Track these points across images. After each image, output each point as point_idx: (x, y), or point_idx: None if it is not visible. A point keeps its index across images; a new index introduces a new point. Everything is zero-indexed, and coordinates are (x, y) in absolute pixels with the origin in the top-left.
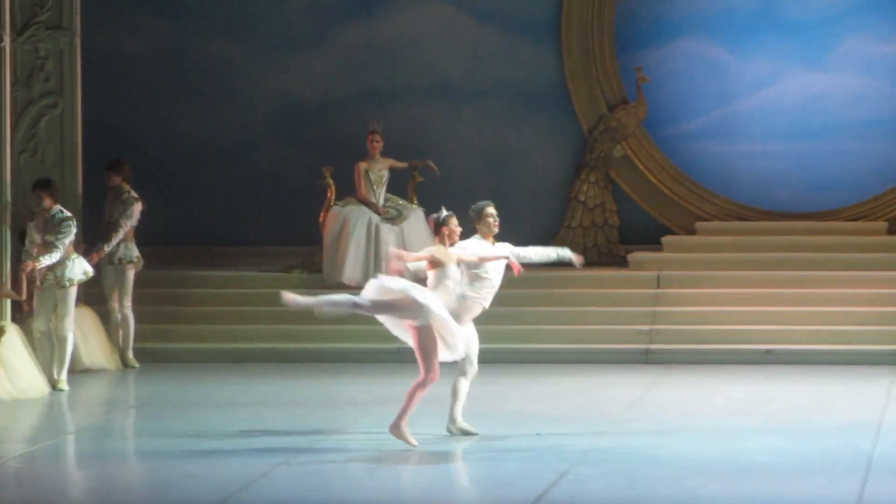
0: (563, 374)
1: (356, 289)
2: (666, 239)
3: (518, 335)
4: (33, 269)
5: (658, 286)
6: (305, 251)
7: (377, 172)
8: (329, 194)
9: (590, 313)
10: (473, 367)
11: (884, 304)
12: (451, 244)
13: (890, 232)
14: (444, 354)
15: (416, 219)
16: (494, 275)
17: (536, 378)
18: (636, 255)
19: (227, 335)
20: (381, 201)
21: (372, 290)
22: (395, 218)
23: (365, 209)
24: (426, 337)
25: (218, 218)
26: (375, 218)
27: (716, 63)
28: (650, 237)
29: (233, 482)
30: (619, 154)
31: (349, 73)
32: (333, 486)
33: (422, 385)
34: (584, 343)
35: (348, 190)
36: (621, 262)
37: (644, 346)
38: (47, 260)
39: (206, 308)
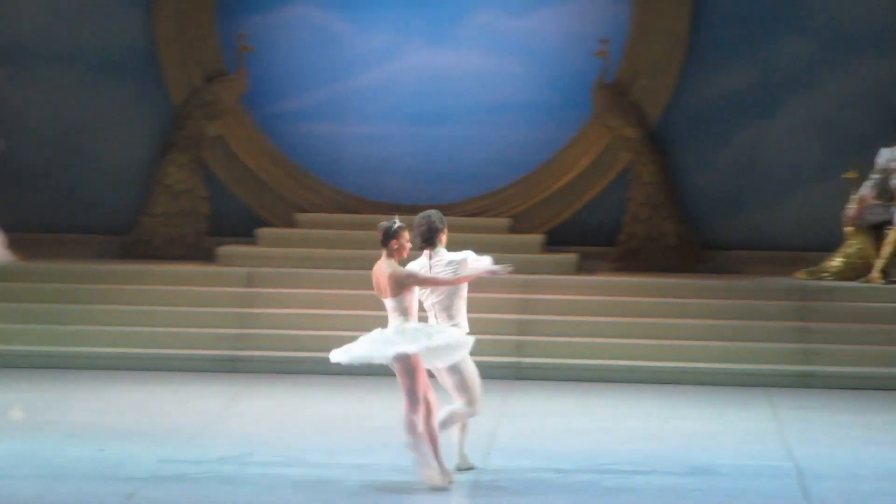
0: (134, 382)
1: None
2: (261, 231)
3: (76, 337)
4: None
5: (249, 285)
6: None
7: None
8: None
9: (169, 314)
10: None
11: (500, 312)
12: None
13: (512, 230)
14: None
15: None
16: None
17: (100, 387)
18: (226, 249)
19: None
20: None
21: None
22: None
23: None
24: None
25: None
26: None
27: (329, 33)
28: (244, 229)
29: None
30: (214, 133)
31: None
32: None
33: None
34: (161, 348)
35: None
36: (209, 256)
37: (231, 353)
38: None
39: None
